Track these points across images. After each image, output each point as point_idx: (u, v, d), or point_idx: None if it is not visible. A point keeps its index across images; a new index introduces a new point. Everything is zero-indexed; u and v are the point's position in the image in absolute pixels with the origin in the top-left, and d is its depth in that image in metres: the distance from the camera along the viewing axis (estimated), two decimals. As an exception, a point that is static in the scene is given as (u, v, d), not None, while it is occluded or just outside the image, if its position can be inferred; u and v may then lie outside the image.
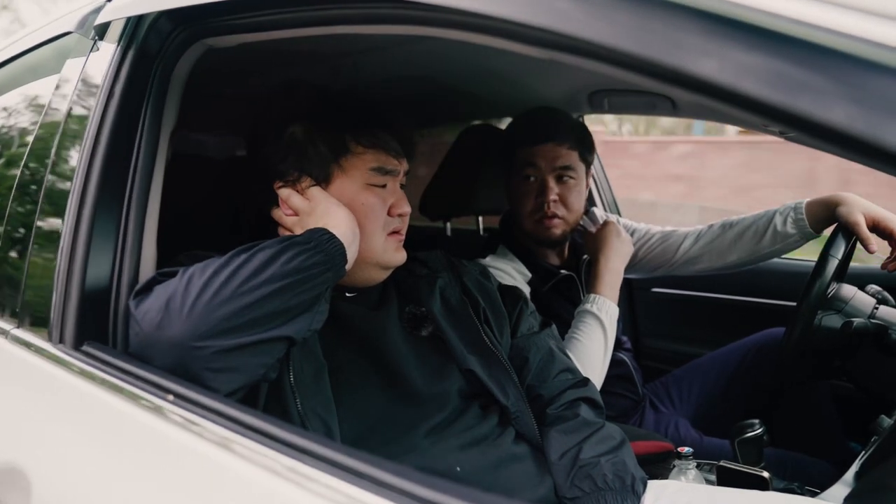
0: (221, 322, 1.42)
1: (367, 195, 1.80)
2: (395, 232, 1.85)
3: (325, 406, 1.61)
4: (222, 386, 1.46)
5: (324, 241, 1.60)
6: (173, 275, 1.54)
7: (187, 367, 1.44)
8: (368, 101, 1.89)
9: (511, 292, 2.13)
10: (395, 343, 1.81)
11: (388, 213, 1.84)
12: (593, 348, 2.43)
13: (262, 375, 1.53)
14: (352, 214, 1.74)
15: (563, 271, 2.76)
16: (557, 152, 2.69)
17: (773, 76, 0.84)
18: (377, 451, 1.50)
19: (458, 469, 1.64)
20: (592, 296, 2.53)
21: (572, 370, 2.01)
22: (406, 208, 1.87)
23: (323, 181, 1.80)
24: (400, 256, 1.87)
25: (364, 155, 1.80)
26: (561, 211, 2.70)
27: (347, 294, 1.88)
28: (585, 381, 1.98)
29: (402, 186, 1.90)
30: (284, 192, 1.81)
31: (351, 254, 1.67)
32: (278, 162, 1.83)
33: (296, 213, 1.79)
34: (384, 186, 1.83)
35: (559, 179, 2.70)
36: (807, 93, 0.81)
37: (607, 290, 2.55)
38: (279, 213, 1.82)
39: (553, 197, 2.68)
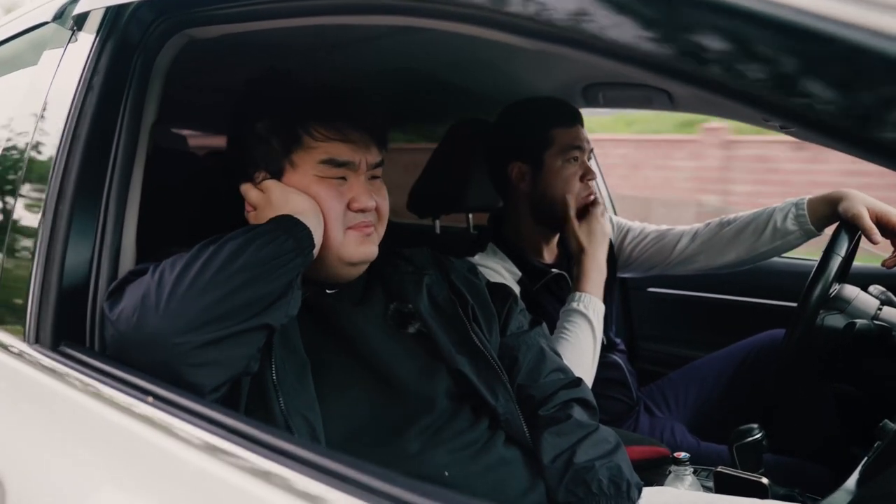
0: (198, 315, 1.44)
1: (318, 187, 1.78)
2: (358, 226, 1.83)
3: (309, 405, 1.61)
4: (205, 381, 1.48)
5: (289, 227, 1.63)
6: (144, 273, 1.56)
7: (168, 364, 1.45)
8: (330, 91, 1.88)
9: (500, 290, 2.12)
10: (379, 340, 1.81)
11: (349, 208, 1.81)
12: (583, 348, 2.42)
13: (244, 367, 1.55)
14: (311, 199, 1.76)
15: (553, 270, 2.76)
16: (586, 137, 2.75)
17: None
18: (364, 455, 1.50)
19: (447, 474, 1.64)
20: (578, 294, 2.52)
21: (564, 370, 2.00)
22: (366, 203, 1.82)
23: (276, 175, 1.81)
24: (363, 251, 1.84)
25: (315, 148, 1.80)
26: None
27: (328, 290, 1.87)
28: (578, 382, 1.98)
29: (373, 178, 1.89)
30: (244, 189, 1.83)
31: (317, 238, 1.70)
32: (243, 158, 1.86)
33: (254, 208, 1.81)
34: (343, 179, 1.82)
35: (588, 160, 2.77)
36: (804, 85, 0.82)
37: (593, 288, 2.54)
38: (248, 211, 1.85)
39: (596, 176, 2.77)
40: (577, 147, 2.69)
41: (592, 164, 3.38)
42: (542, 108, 2.81)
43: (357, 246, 1.83)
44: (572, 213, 2.65)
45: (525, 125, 2.77)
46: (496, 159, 2.87)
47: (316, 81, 1.88)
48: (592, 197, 2.71)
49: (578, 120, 2.74)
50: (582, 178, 2.69)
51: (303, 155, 1.80)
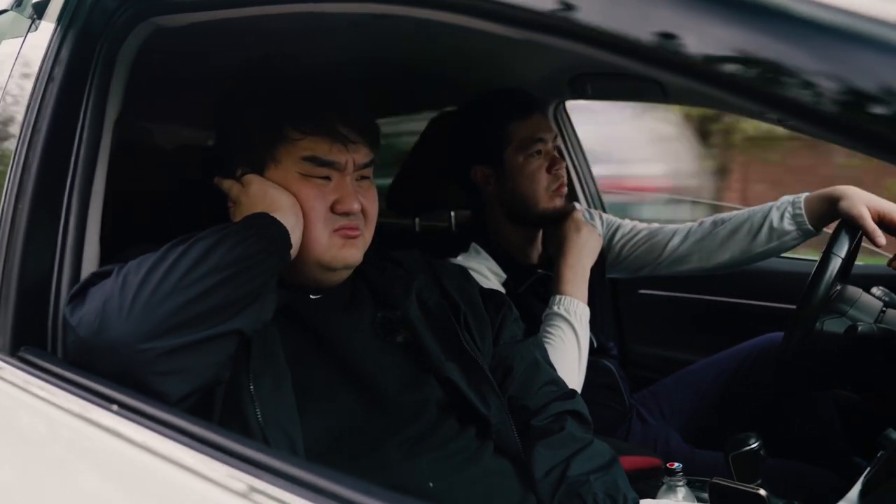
0: (164, 320, 1.42)
1: (300, 186, 1.76)
2: (344, 229, 1.80)
3: (288, 417, 1.59)
4: (172, 390, 1.46)
5: (264, 226, 1.61)
6: (108, 275, 1.54)
7: (132, 372, 1.43)
8: (318, 84, 1.86)
9: (494, 297, 2.13)
10: (365, 349, 1.80)
11: (332, 210, 1.79)
12: (566, 352, 2.41)
13: (213, 376, 1.53)
14: (292, 196, 1.74)
15: (539, 270, 2.76)
16: (548, 123, 2.77)
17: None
18: (345, 466, 1.50)
19: (432, 485, 1.63)
20: (558, 297, 2.52)
21: (557, 382, 2.00)
22: (350, 205, 1.78)
23: (257, 171, 1.79)
24: (344, 255, 1.80)
25: (299, 143, 1.77)
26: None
27: (312, 296, 1.86)
28: (572, 394, 1.98)
29: (362, 179, 1.87)
30: (226, 185, 1.82)
31: (295, 238, 1.68)
32: (226, 152, 1.85)
33: (234, 203, 1.79)
34: (328, 179, 1.79)
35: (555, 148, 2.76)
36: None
37: (571, 289, 2.54)
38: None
39: (564, 165, 2.77)
40: (538, 139, 2.69)
41: (581, 164, 3.40)
42: (492, 104, 2.80)
43: (338, 249, 1.79)
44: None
45: (479, 126, 2.78)
46: (458, 165, 2.87)
47: (304, 73, 1.88)
48: (560, 188, 2.72)
49: (534, 108, 2.75)
50: (549, 170, 2.70)
51: (286, 150, 1.77)
